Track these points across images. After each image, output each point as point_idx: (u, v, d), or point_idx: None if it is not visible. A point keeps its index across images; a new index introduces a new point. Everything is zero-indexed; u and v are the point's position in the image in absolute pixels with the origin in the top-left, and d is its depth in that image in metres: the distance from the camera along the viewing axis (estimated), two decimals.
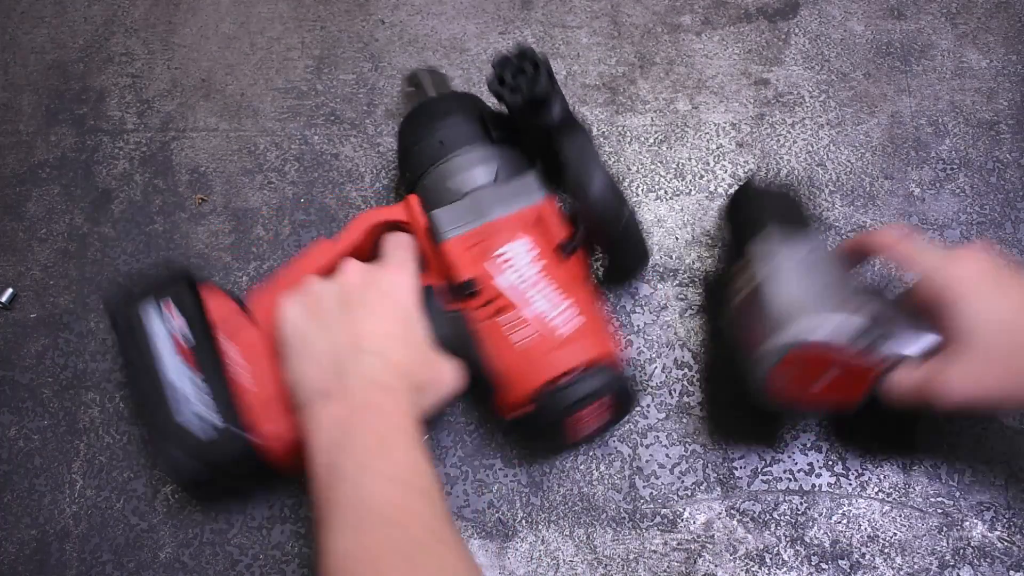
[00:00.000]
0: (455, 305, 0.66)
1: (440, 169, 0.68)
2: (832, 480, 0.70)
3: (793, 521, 0.70)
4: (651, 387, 0.73)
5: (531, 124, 0.66)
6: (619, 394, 0.64)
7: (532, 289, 0.64)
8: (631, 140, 0.81)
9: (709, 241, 0.77)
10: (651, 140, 0.81)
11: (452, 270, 0.65)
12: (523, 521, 0.70)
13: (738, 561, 0.69)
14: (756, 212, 0.66)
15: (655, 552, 0.69)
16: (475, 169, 0.68)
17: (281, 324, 0.63)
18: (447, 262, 0.65)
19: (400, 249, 0.67)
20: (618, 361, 0.65)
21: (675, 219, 0.78)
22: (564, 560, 0.69)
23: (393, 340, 0.61)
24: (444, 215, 0.66)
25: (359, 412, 0.56)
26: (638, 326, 0.74)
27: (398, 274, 0.64)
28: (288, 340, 0.62)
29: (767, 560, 0.69)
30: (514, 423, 0.65)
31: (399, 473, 0.54)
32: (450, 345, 0.64)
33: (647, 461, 0.71)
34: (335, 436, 0.56)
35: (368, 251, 0.69)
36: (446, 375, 0.63)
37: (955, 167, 0.78)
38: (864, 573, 0.68)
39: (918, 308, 0.60)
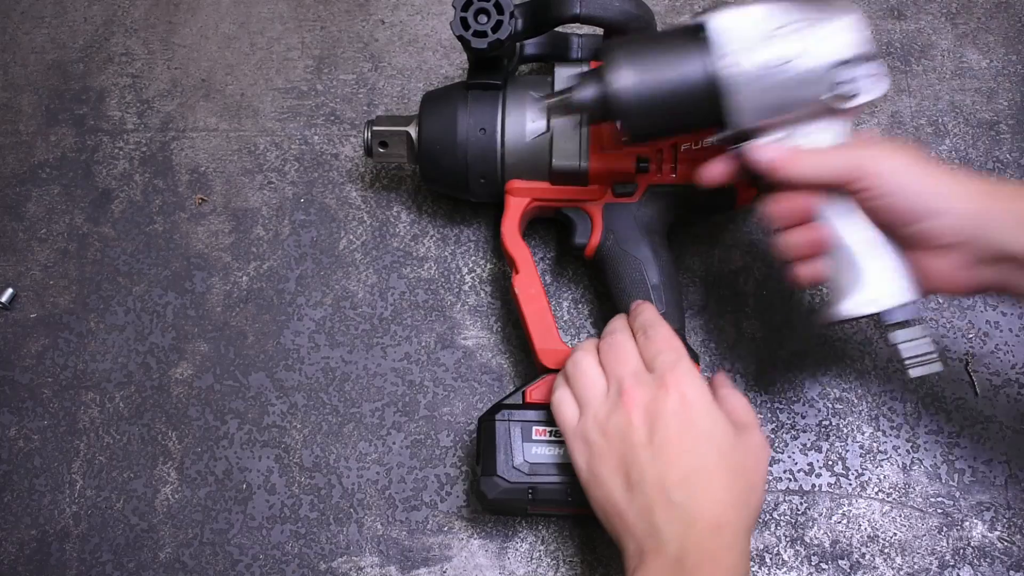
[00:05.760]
0: None
1: None
2: (832, 480, 0.70)
3: (793, 521, 0.70)
4: None
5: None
6: None
7: None
8: None
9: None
10: None
11: None
12: (523, 521, 0.70)
13: None
14: None
15: None
16: None
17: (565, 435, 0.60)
18: None
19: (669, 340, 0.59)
20: None
21: None
22: (564, 560, 0.69)
23: (709, 475, 0.55)
24: None
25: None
26: None
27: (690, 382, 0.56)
28: (580, 472, 0.58)
29: (767, 560, 0.69)
30: None
31: None
32: None
33: None
34: None
35: None
36: (762, 460, 0.57)
37: (955, 167, 0.78)
38: (864, 573, 0.68)
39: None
